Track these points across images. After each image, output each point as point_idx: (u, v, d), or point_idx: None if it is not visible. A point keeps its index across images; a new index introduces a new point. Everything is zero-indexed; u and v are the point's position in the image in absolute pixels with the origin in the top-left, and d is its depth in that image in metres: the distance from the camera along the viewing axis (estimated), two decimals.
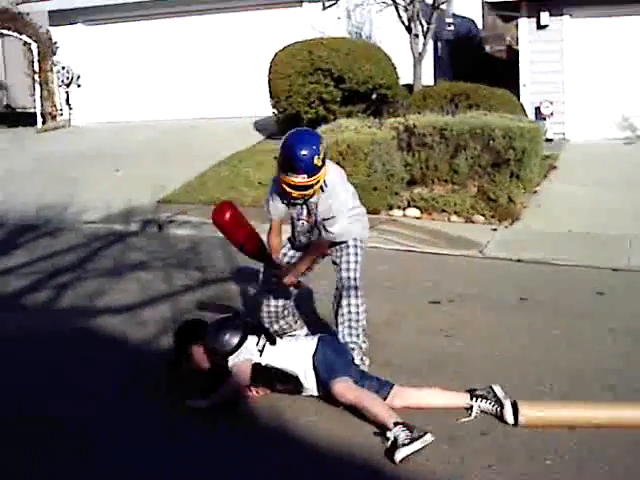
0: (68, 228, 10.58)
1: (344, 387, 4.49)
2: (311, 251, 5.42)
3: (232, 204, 5.34)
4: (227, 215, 5.17)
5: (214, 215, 5.20)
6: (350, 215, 5.40)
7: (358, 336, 5.27)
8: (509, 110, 12.35)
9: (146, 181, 12.43)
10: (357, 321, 5.29)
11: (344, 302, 5.30)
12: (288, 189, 4.99)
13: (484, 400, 4.55)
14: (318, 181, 5.00)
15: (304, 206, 5.24)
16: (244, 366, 4.74)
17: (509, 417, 4.42)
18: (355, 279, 5.40)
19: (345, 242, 5.45)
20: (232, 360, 4.76)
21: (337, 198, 5.18)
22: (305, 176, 4.91)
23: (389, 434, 4.11)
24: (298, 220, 5.36)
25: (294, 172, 4.90)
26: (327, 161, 5.12)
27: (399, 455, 3.96)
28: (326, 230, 5.23)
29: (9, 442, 4.38)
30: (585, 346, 5.83)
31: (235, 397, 4.72)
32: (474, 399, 4.56)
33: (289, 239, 5.63)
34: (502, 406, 4.48)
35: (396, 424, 4.13)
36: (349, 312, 5.29)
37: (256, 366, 4.75)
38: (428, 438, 4.05)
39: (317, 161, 4.90)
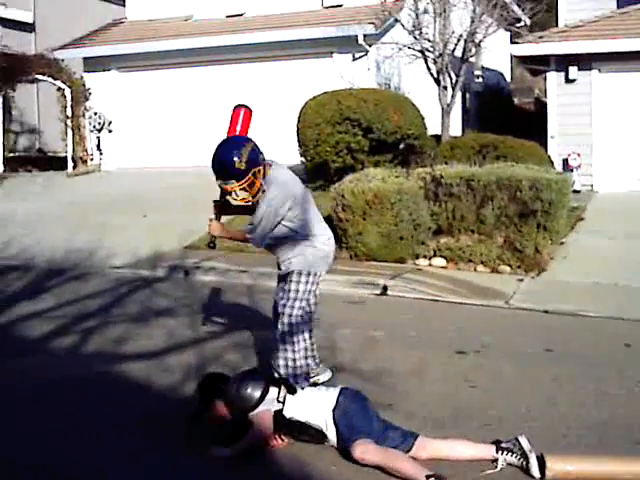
0: (96, 273, 10.67)
1: (364, 450, 4.40)
2: (237, 233, 5.72)
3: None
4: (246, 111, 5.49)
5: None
6: (296, 239, 5.51)
7: (279, 366, 5.54)
8: (537, 162, 12.37)
9: (173, 227, 12.53)
10: (283, 350, 5.51)
11: (276, 332, 5.58)
12: (229, 197, 5.27)
13: (510, 453, 4.49)
14: (252, 185, 5.15)
15: None
16: (266, 416, 4.71)
17: (535, 471, 4.36)
18: (284, 314, 5.53)
19: (290, 273, 5.56)
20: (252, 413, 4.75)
21: (262, 205, 5.29)
22: (234, 181, 5.10)
23: None
24: None
25: (222, 179, 5.16)
26: (274, 165, 5.40)
27: None
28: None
29: None
30: (613, 399, 5.75)
31: (258, 446, 4.69)
32: (500, 452, 4.50)
33: None
34: (528, 460, 4.41)
35: (428, 477, 4.08)
36: (276, 340, 5.57)
37: (279, 417, 4.72)
38: None
39: (239, 165, 5.06)
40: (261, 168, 5.23)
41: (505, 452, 4.49)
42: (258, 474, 4.48)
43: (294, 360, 5.54)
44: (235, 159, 5.06)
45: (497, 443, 4.58)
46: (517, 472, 4.41)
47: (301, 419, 4.70)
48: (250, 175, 5.12)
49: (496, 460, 4.48)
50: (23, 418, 5.33)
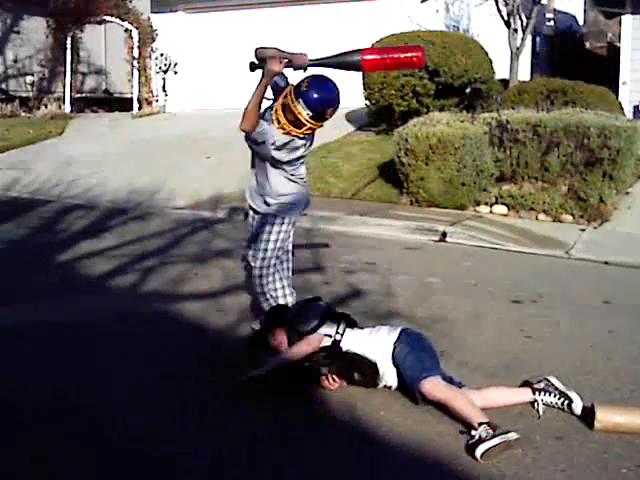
0: (157, 213, 10.79)
1: (434, 386, 4.41)
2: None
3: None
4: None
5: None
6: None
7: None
8: (607, 108, 12.05)
9: (235, 169, 12.52)
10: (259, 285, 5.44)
11: None
12: (297, 129, 5.09)
13: (547, 393, 4.47)
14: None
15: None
16: (316, 339, 4.75)
17: (578, 409, 4.36)
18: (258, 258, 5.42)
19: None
20: None
21: None
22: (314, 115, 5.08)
23: (473, 432, 4.06)
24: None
25: (314, 112, 5.04)
26: None
27: (479, 450, 3.91)
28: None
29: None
30: None
31: (289, 365, 4.74)
32: (536, 393, 4.49)
33: None
34: (569, 398, 4.40)
35: (480, 424, 4.08)
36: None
37: (335, 347, 4.74)
38: (510, 435, 4.00)
39: None
40: None
41: (542, 393, 4.49)
42: (305, 414, 4.50)
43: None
44: None
45: (529, 385, 4.57)
46: (567, 424, 4.36)
47: (357, 351, 4.72)
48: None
49: (535, 402, 4.47)
50: (86, 352, 5.44)
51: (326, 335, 4.80)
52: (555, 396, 4.47)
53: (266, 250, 5.35)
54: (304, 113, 5.00)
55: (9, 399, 4.58)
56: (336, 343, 4.77)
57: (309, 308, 4.99)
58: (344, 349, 4.76)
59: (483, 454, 3.90)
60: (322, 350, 4.76)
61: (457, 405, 4.31)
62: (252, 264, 5.42)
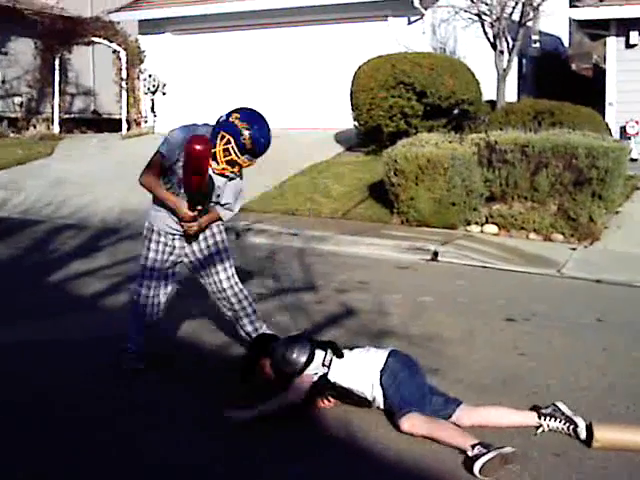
0: None
1: (412, 424, 4.38)
2: (212, 215, 5.37)
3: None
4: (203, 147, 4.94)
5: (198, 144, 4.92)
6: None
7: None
8: (594, 129, 12.14)
9: None
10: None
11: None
12: (232, 169, 5.13)
13: (552, 418, 4.47)
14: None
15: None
16: (306, 379, 4.71)
17: (584, 434, 4.35)
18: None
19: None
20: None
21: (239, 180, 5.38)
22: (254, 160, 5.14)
23: (469, 454, 4.06)
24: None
25: (255, 157, 5.10)
26: None
27: (477, 465, 3.91)
28: (229, 209, 5.42)
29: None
30: None
31: (286, 412, 4.64)
32: (542, 418, 4.49)
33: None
34: (574, 423, 4.40)
35: (473, 446, 4.08)
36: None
37: (323, 381, 4.72)
38: (506, 450, 4.00)
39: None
40: None
41: (548, 418, 4.48)
42: (302, 433, 4.50)
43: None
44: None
45: (537, 409, 4.57)
46: (565, 441, 4.37)
47: (344, 385, 4.70)
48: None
49: (540, 426, 4.47)
50: (81, 370, 5.43)
51: (314, 374, 4.76)
52: (561, 421, 4.45)
53: None
54: (247, 161, 5.13)
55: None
56: (324, 376, 4.72)
57: (294, 347, 4.83)
58: (332, 381, 4.74)
59: (481, 469, 3.91)
60: (312, 386, 4.73)
61: (441, 437, 4.28)
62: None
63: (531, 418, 4.53)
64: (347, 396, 4.72)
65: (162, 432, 4.47)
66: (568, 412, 4.48)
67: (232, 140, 5.00)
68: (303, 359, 4.74)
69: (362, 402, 4.71)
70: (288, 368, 4.76)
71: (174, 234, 5.38)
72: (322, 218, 11.62)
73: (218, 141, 5.04)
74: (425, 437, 4.34)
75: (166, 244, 5.42)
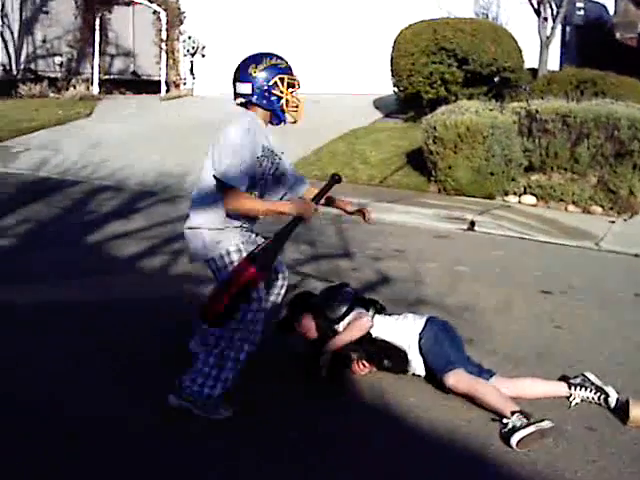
0: (186, 196, 10.74)
1: (458, 379, 4.41)
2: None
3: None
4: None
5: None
6: None
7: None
8: (637, 100, 11.96)
9: None
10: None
11: None
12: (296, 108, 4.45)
13: (583, 388, 4.48)
14: None
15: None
16: (366, 324, 4.71)
17: (614, 403, 4.38)
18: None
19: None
20: (342, 325, 4.78)
21: None
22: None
23: (506, 421, 4.07)
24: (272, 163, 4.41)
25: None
26: None
27: (515, 438, 3.92)
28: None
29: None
30: None
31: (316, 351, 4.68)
32: (572, 388, 4.49)
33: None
34: (605, 392, 4.40)
35: (513, 413, 4.09)
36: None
37: (366, 335, 4.74)
38: (545, 424, 4.00)
39: None
40: None
41: (578, 388, 4.48)
42: (335, 400, 4.52)
43: None
44: None
45: (566, 379, 4.57)
46: (599, 416, 4.36)
47: (386, 338, 4.72)
48: None
49: (570, 396, 4.47)
50: (113, 330, 5.48)
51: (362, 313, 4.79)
52: (591, 391, 4.47)
53: None
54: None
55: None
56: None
57: (338, 294, 4.95)
58: (373, 335, 4.76)
59: (519, 442, 3.91)
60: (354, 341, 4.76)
61: (484, 397, 4.31)
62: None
63: (561, 388, 4.54)
64: (386, 355, 4.71)
65: None
66: (598, 382, 4.49)
67: (284, 76, 4.40)
68: (346, 305, 4.79)
69: (399, 363, 4.71)
70: (331, 313, 4.80)
71: (249, 233, 4.41)
72: (359, 184, 11.58)
73: (279, 89, 4.35)
74: (466, 395, 4.36)
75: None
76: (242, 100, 4.41)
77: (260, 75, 4.33)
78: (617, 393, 4.42)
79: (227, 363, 4.14)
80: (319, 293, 5.08)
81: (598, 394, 4.44)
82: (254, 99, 4.34)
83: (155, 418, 4.15)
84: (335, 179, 4.69)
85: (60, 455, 3.75)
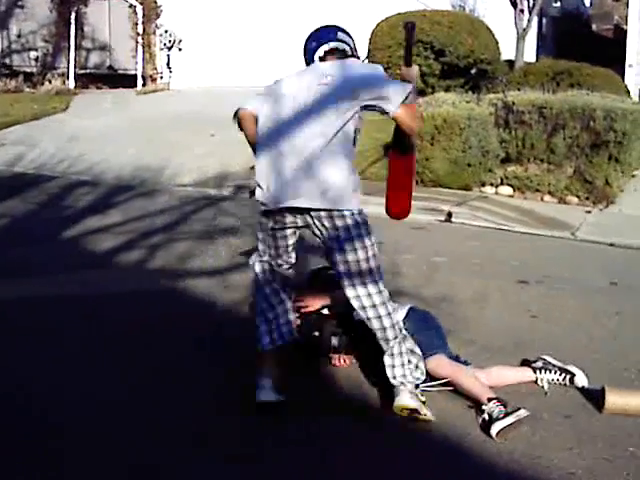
0: (163, 190, 10.78)
1: (437, 364, 4.42)
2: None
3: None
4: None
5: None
6: None
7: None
8: (613, 91, 12.05)
9: (241, 146, 12.44)
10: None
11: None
12: None
13: (547, 371, 4.55)
14: None
15: None
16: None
17: (583, 381, 4.48)
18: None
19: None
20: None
21: None
22: None
23: (484, 408, 4.09)
24: None
25: None
26: None
27: (495, 429, 3.94)
28: None
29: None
30: None
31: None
32: (537, 372, 4.57)
33: None
34: (571, 373, 4.51)
35: (490, 399, 4.11)
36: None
37: (349, 317, 4.65)
38: (522, 413, 4.02)
39: None
40: None
41: (542, 371, 4.56)
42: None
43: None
44: None
45: (527, 364, 4.64)
46: (576, 403, 4.39)
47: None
48: None
49: (537, 380, 4.55)
50: (88, 327, 5.45)
51: None
52: (555, 372, 4.54)
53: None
54: None
55: None
56: (349, 315, 4.67)
57: (324, 275, 4.93)
58: (357, 319, 4.71)
59: (499, 432, 3.93)
60: (337, 317, 4.75)
61: (463, 382, 4.34)
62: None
63: (527, 373, 4.59)
64: (366, 344, 4.66)
65: None
66: (558, 363, 4.56)
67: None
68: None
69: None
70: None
71: None
72: None
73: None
74: (446, 378, 4.36)
75: None
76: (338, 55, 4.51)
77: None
78: (583, 372, 4.50)
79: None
80: (305, 274, 5.05)
81: (563, 375, 4.52)
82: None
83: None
84: (409, 27, 4.63)
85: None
